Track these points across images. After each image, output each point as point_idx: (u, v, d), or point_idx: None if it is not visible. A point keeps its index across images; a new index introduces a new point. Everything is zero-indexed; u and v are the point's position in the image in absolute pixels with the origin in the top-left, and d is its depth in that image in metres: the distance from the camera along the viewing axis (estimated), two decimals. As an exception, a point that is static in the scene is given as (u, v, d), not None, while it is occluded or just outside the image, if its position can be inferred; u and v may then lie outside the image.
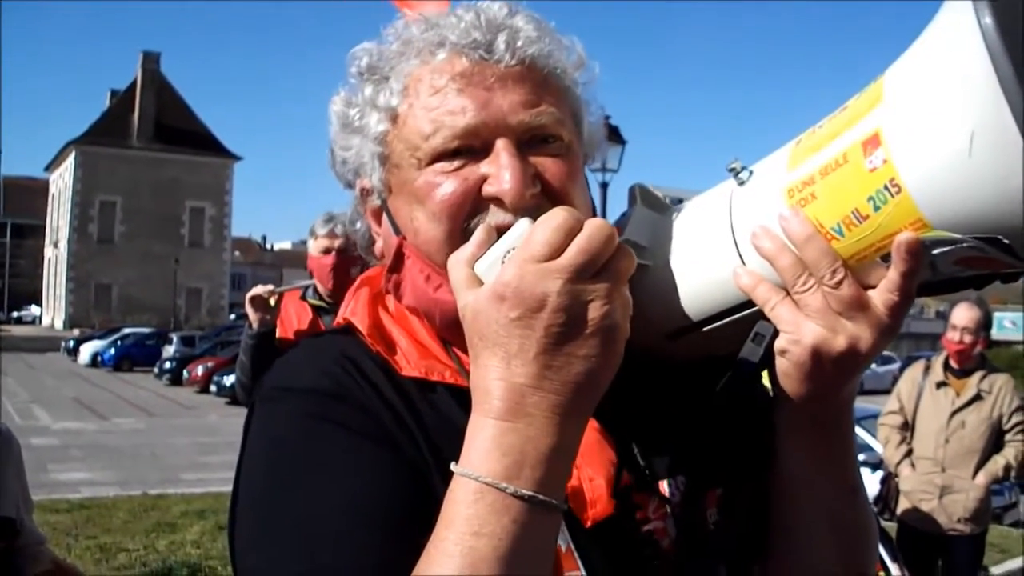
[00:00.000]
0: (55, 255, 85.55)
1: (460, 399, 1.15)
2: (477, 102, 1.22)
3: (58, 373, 42.68)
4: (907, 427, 7.05)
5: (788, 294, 1.12)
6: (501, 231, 1.10)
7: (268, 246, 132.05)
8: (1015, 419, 6.76)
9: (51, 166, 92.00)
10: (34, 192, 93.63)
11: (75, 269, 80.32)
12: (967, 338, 6.71)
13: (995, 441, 6.78)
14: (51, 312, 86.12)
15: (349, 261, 4.95)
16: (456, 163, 1.23)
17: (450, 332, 1.23)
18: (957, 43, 0.94)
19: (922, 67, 1.00)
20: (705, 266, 1.22)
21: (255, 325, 5.20)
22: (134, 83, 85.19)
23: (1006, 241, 0.96)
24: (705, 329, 1.25)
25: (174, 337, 46.66)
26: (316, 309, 5.30)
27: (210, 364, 36.52)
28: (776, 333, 1.14)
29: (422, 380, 1.24)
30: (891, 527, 6.96)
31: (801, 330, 1.11)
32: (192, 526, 11.12)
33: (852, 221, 1.04)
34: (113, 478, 15.56)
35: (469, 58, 1.24)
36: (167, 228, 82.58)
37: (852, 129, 1.04)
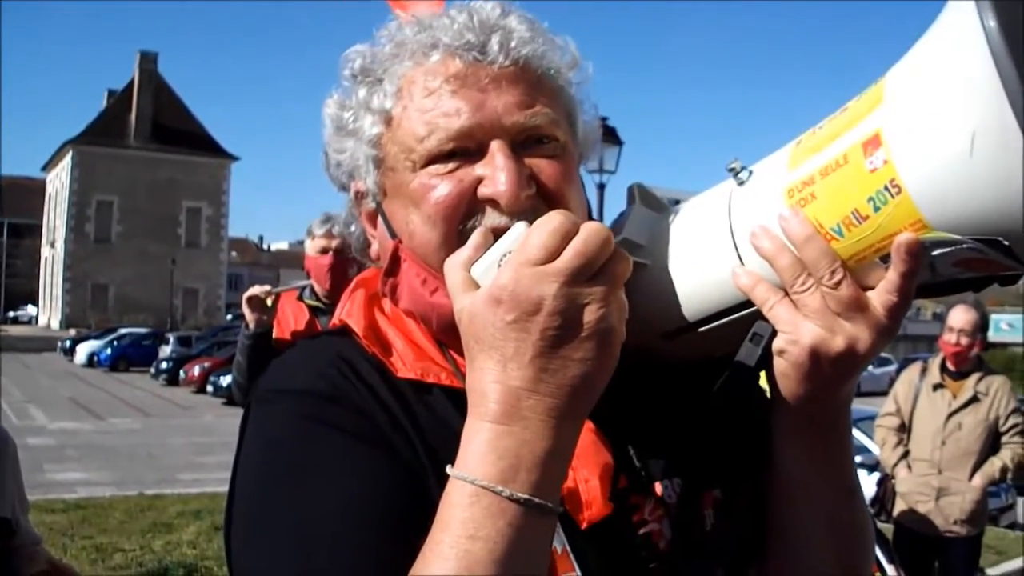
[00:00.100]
0: (52, 255, 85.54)
1: (456, 401, 1.15)
2: (471, 104, 1.22)
3: (54, 373, 42.67)
4: (904, 429, 7.06)
5: (787, 294, 1.12)
6: (497, 233, 1.10)
7: (265, 246, 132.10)
8: (1012, 421, 6.77)
9: (48, 166, 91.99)
10: (31, 192, 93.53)
11: (72, 269, 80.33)
12: (964, 340, 6.72)
13: (992, 443, 6.79)
14: (47, 312, 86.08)
15: (346, 261, 4.94)
16: (451, 165, 1.22)
17: (447, 336, 1.23)
18: (960, 45, 0.93)
19: (924, 68, 1.00)
20: (703, 266, 1.22)
21: (252, 325, 5.19)
22: (131, 83, 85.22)
23: (1006, 243, 0.96)
24: (702, 329, 1.25)
25: (171, 337, 46.66)
26: (313, 309, 5.31)
27: (207, 364, 36.54)
28: (774, 333, 1.14)
29: (418, 382, 1.23)
30: (887, 529, 6.96)
31: (799, 330, 1.10)
32: (188, 526, 11.12)
33: (852, 221, 1.04)
34: (109, 478, 15.54)
35: (463, 59, 1.24)
36: (164, 228, 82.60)
37: (853, 130, 1.04)
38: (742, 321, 1.19)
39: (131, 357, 48.16)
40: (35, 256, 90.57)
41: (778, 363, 1.15)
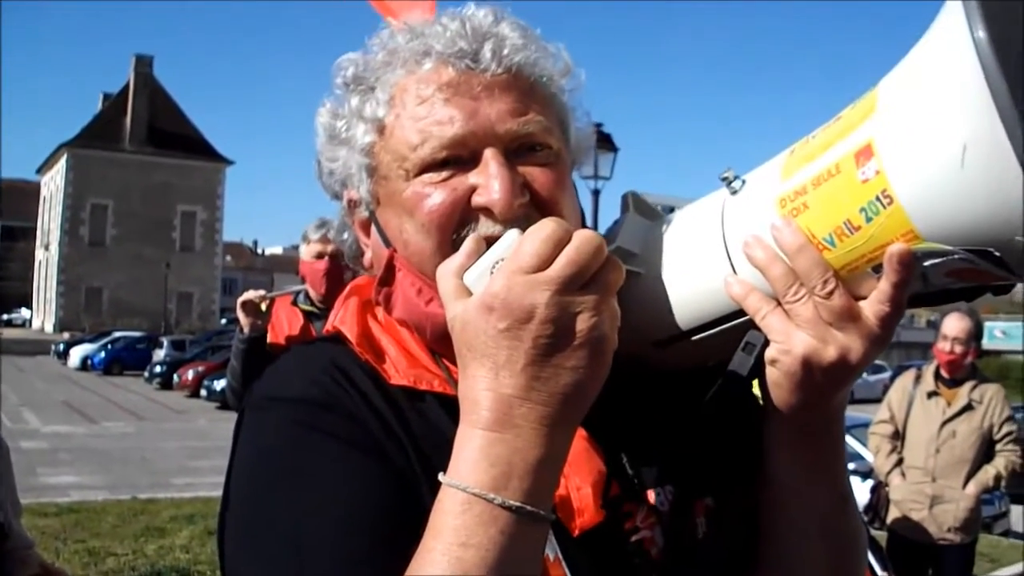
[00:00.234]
0: (46, 258, 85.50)
1: (449, 408, 1.15)
2: (464, 112, 1.22)
3: (48, 376, 42.58)
4: (898, 436, 7.06)
5: (779, 304, 1.12)
6: (490, 242, 1.10)
7: (259, 251, 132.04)
8: (1005, 429, 6.78)
9: (43, 169, 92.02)
10: (25, 194, 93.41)
11: (66, 272, 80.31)
12: (958, 348, 6.72)
13: (985, 451, 6.80)
14: (41, 315, 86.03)
15: (342, 266, 4.93)
16: (444, 174, 1.22)
17: (441, 345, 1.22)
18: (951, 56, 0.94)
19: (916, 79, 1.00)
20: (696, 274, 1.22)
21: (246, 330, 5.19)
22: (127, 86, 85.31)
23: (997, 254, 0.96)
24: (695, 338, 1.25)
25: (164, 341, 46.74)
26: (307, 314, 5.31)
27: (200, 368, 36.48)
28: (767, 343, 1.14)
29: (411, 389, 1.23)
30: (881, 536, 6.97)
31: (791, 340, 1.10)
32: (181, 531, 11.09)
33: (844, 232, 1.04)
34: (102, 482, 15.52)
35: (455, 67, 1.24)
36: (158, 232, 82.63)
37: (845, 139, 1.04)
38: (735, 330, 1.19)
39: (125, 361, 48.14)
40: (29, 259, 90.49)
41: (770, 372, 1.15)
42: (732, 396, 1.20)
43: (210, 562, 9.32)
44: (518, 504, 0.97)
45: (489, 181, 1.20)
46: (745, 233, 1.14)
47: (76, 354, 50.28)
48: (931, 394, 6.89)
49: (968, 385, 6.82)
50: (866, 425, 9.02)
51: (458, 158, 1.22)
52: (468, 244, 1.10)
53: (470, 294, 1.04)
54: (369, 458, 1.14)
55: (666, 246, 1.26)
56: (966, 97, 0.91)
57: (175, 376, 38.16)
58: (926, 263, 1.01)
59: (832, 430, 1.23)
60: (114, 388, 38.09)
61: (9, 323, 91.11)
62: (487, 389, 0.99)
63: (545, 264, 0.99)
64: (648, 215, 1.34)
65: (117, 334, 53.63)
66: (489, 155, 1.21)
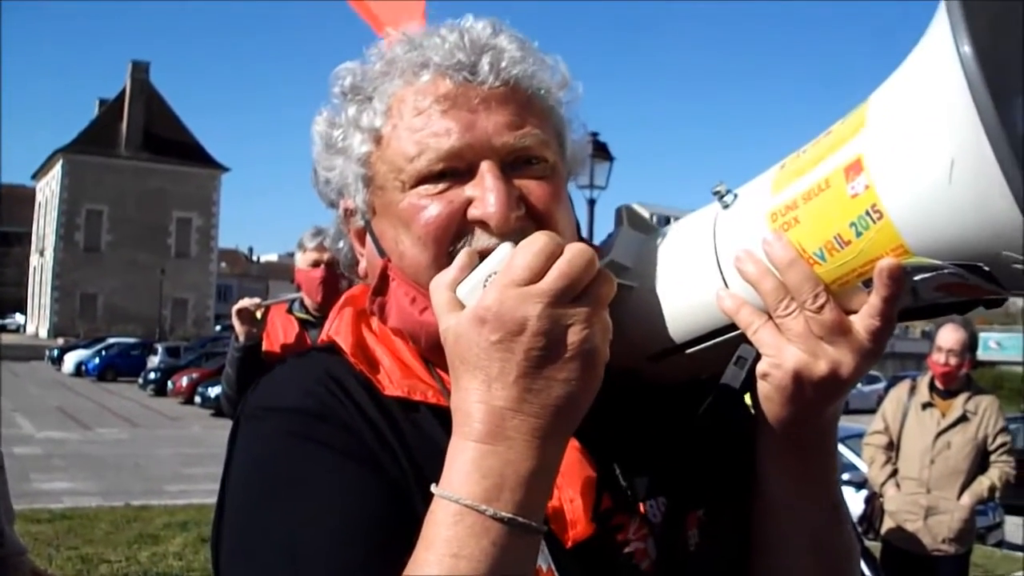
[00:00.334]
0: (41, 263, 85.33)
1: (442, 419, 1.15)
2: (461, 124, 1.22)
3: (42, 382, 42.51)
4: (892, 447, 7.05)
5: (770, 318, 1.12)
6: (485, 255, 1.11)
7: (255, 258, 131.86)
8: (1000, 440, 6.78)
9: (38, 174, 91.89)
10: (21, 200, 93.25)
11: (61, 278, 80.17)
12: (953, 360, 6.72)
13: (980, 462, 6.80)
14: (36, 321, 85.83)
15: (338, 275, 4.93)
16: (441, 186, 1.23)
17: (435, 354, 1.22)
18: (937, 70, 0.94)
19: (904, 93, 1.01)
20: (689, 288, 1.22)
21: (241, 338, 5.19)
22: (123, 92, 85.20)
23: (987, 269, 0.97)
24: (688, 351, 1.25)
25: (159, 348, 46.67)
26: (302, 322, 5.32)
27: (195, 375, 36.49)
28: (758, 356, 1.14)
29: (405, 400, 1.24)
30: (875, 547, 6.97)
31: (783, 354, 1.11)
32: (175, 538, 11.07)
33: (834, 246, 1.05)
34: (96, 488, 15.48)
35: (453, 80, 1.24)
36: (154, 238, 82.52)
37: (835, 154, 1.05)
38: (727, 343, 1.19)
39: (119, 367, 48.12)
40: (24, 264, 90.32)
41: (762, 386, 1.15)
42: (725, 409, 1.20)
43: (203, 570, 9.30)
44: (510, 516, 0.97)
45: (485, 194, 1.20)
46: (737, 247, 1.15)
47: (70, 360, 50.25)
48: (926, 405, 6.89)
49: (963, 396, 6.82)
50: (860, 435, 9.01)
51: (454, 170, 1.23)
52: (461, 257, 1.11)
53: (463, 307, 1.04)
54: (363, 468, 1.15)
55: (659, 260, 1.27)
56: (952, 112, 0.91)
57: (169, 383, 38.17)
58: (916, 277, 1.02)
59: (824, 444, 1.23)
60: (108, 394, 38.03)
61: (3, 328, 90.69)
62: (479, 401, 1.00)
63: (537, 277, 0.99)
64: (642, 228, 1.35)
65: (111, 340, 53.55)
66: (485, 168, 1.22)
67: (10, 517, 3.52)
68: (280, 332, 5.33)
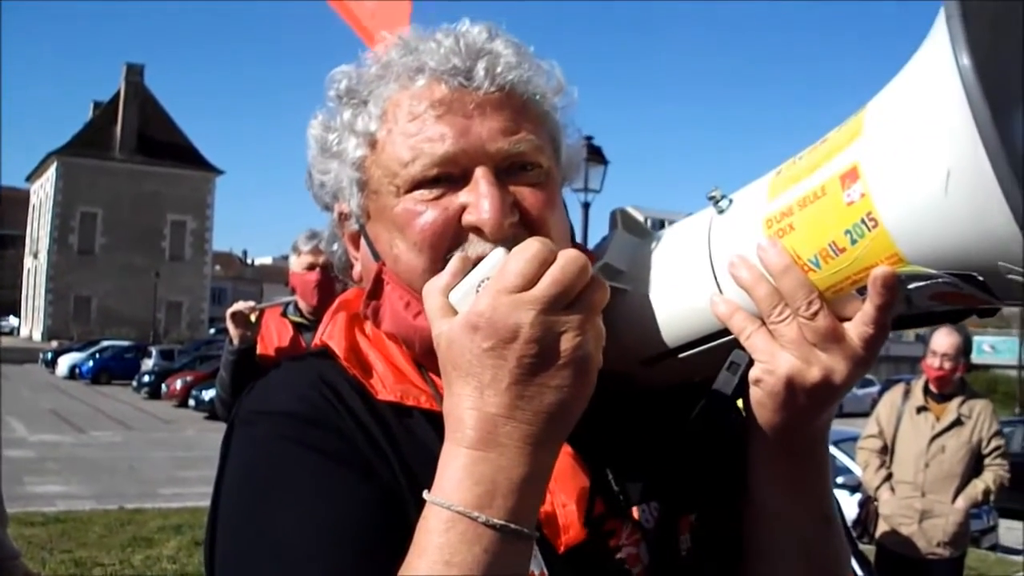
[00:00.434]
0: (35, 266, 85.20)
1: (436, 425, 1.15)
2: (456, 129, 1.22)
3: (35, 385, 42.46)
4: (886, 451, 7.07)
5: (764, 324, 1.12)
6: (478, 261, 1.10)
7: (249, 261, 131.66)
8: (994, 443, 6.81)
9: (32, 176, 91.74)
10: (15, 202, 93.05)
11: (55, 280, 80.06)
12: (947, 364, 6.74)
13: (974, 466, 6.81)
14: (29, 323, 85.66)
15: (334, 278, 4.92)
16: (436, 191, 1.23)
17: (428, 359, 1.22)
18: (935, 81, 0.94)
19: (901, 103, 1.01)
20: (682, 293, 1.22)
21: (236, 341, 5.18)
22: (117, 95, 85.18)
23: (981, 278, 0.97)
24: (681, 356, 1.25)
25: (153, 350, 46.60)
26: (297, 326, 5.30)
27: (189, 378, 36.43)
28: (751, 362, 1.14)
29: (398, 405, 1.24)
30: (870, 550, 6.97)
31: (776, 360, 1.11)
32: (169, 541, 11.06)
33: (829, 253, 1.05)
34: (89, 492, 15.47)
35: (448, 85, 1.24)
36: (148, 241, 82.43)
37: (831, 162, 1.05)
38: (720, 349, 1.19)
39: (113, 370, 48.09)
40: (18, 267, 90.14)
41: (754, 392, 1.16)
42: (717, 414, 1.20)
43: (197, 573, 9.28)
44: (502, 522, 0.97)
45: (479, 200, 1.20)
46: (731, 253, 1.15)
47: (64, 363, 50.22)
48: (920, 409, 6.90)
49: (957, 400, 6.84)
50: (854, 439, 9.03)
51: (449, 176, 1.23)
52: (454, 263, 1.10)
53: (456, 312, 1.04)
54: (356, 473, 1.15)
55: (653, 264, 1.27)
56: (950, 124, 0.91)
57: (163, 386, 38.17)
58: (910, 286, 1.02)
59: (816, 451, 1.23)
60: (102, 397, 38.00)
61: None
62: (472, 408, 1.00)
63: (530, 284, 0.99)
64: (636, 232, 1.35)
65: (105, 343, 53.53)
66: (479, 174, 1.22)
67: (3, 520, 3.51)
68: (274, 335, 5.32)
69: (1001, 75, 0.89)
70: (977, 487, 6.77)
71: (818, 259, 1.06)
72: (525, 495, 0.99)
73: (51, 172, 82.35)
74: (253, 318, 5.25)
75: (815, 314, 1.07)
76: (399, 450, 1.19)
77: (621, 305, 1.25)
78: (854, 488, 9.03)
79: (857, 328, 1.08)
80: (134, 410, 33.42)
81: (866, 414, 8.75)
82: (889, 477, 7.01)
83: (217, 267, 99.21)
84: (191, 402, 33.56)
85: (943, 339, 6.70)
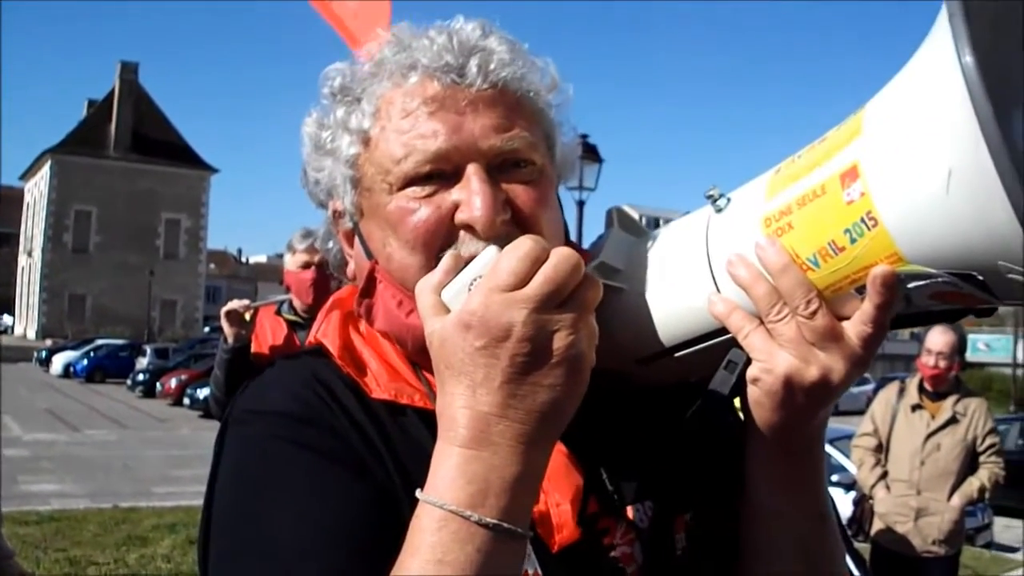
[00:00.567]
0: (29, 264, 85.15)
1: (429, 423, 1.14)
2: (448, 126, 1.22)
3: (30, 383, 42.41)
4: (881, 449, 7.08)
5: (762, 323, 1.12)
6: (471, 259, 1.10)
7: (243, 259, 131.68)
8: (989, 441, 6.82)
9: (26, 175, 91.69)
10: (9, 201, 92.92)
11: (49, 279, 80.00)
12: (942, 363, 6.76)
13: (969, 463, 6.83)
14: (24, 322, 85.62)
15: (329, 276, 4.92)
16: (428, 189, 1.22)
17: (422, 357, 1.22)
18: (937, 79, 0.93)
19: (902, 102, 1.00)
20: (680, 292, 1.22)
21: (230, 340, 5.19)
22: (112, 93, 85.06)
23: (980, 278, 0.96)
24: (677, 355, 1.25)
25: (148, 349, 46.64)
26: (291, 324, 5.32)
27: (183, 377, 36.45)
28: (749, 361, 1.14)
29: (392, 403, 1.23)
30: (865, 548, 6.98)
31: (774, 359, 1.11)
32: (163, 540, 11.06)
33: (828, 252, 1.04)
34: (84, 490, 15.46)
35: (441, 82, 1.24)
36: (142, 239, 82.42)
37: (831, 160, 1.04)
38: (717, 348, 1.19)
39: (107, 368, 48.11)
40: (12, 265, 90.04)
41: (752, 391, 1.15)
42: (713, 413, 1.20)
43: (191, 572, 9.28)
44: (495, 521, 0.96)
45: (471, 198, 1.20)
46: (729, 251, 1.14)
47: (58, 361, 50.24)
48: (915, 407, 6.92)
49: (952, 398, 6.85)
50: (849, 437, 9.04)
51: (441, 172, 1.22)
52: (446, 261, 1.10)
53: (448, 311, 1.04)
54: (349, 472, 1.15)
55: (650, 262, 1.26)
56: (952, 123, 0.90)
57: (158, 384, 38.17)
58: (910, 285, 1.01)
59: (812, 450, 1.22)
60: (96, 396, 37.99)
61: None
62: (464, 407, 0.99)
63: (522, 282, 0.98)
64: (633, 231, 1.34)
65: (100, 341, 53.54)
66: (471, 171, 1.21)
67: (-3, 520, 3.51)
68: (269, 334, 5.33)
69: (1002, 75, 0.89)
70: (972, 485, 6.78)
71: (817, 258, 1.05)
72: (518, 494, 0.99)
73: (45, 170, 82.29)
74: (248, 316, 5.27)
75: (814, 313, 1.07)
76: (393, 449, 1.19)
77: (617, 304, 1.24)
78: (849, 486, 9.04)
79: (856, 327, 1.07)
80: (128, 409, 33.42)
81: (861, 412, 8.75)
82: (884, 475, 7.02)
83: (212, 265, 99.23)
84: (186, 401, 33.58)
85: (938, 337, 6.72)
